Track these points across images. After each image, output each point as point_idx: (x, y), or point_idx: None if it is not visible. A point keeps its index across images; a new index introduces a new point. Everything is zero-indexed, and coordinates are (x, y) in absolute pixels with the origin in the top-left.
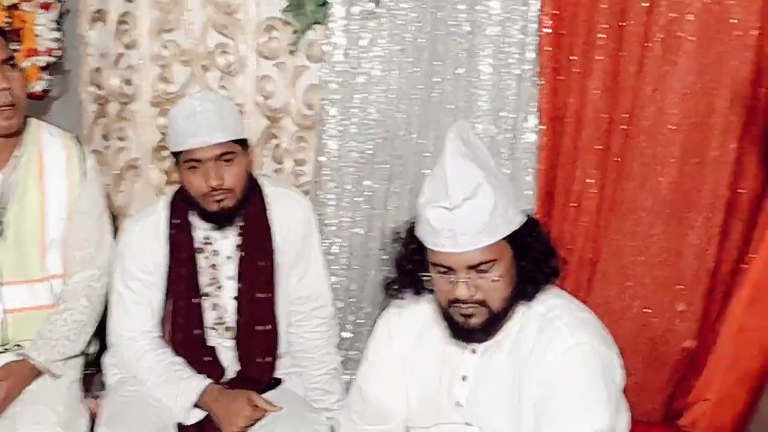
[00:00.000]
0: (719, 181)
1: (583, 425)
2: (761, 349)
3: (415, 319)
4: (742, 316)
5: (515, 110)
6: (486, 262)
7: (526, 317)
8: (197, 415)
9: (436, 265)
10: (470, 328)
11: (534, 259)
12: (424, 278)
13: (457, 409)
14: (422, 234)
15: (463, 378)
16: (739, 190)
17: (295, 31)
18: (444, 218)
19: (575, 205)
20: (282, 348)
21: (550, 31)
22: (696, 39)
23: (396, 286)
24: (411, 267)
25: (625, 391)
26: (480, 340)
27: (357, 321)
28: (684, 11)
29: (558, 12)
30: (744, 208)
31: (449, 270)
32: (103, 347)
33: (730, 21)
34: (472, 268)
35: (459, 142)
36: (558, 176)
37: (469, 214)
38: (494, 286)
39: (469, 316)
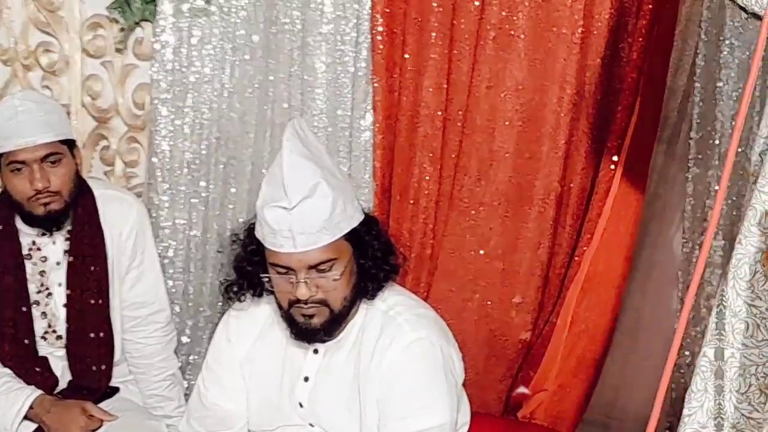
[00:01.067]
0: (551, 175)
1: (424, 420)
2: (593, 339)
3: (255, 321)
4: (575, 307)
5: (351, 108)
6: (326, 262)
7: (368, 316)
8: (28, 428)
9: (275, 265)
10: (312, 328)
11: (374, 257)
12: (264, 279)
13: (300, 411)
14: (261, 234)
15: (305, 379)
16: (570, 185)
17: (122, 29)
18: (282, 218)
19: (413, 201)
20: (117, 355)
21: (382, 29)
22: (526, 37)
23: (235, 289)
24: (250, 268)
25: (465, 384)
26: (322, 341)
27: (196, 325)
28: (515, 9)
29: (390, 10)
30: (574, 203)
31: (289, 270)
32: None
33: (558, 19)
34: (312, 267)
35: (296, 140)
36: (395, 174)
37: (308, 213)
38: (335, 285)
39: (311, 316)
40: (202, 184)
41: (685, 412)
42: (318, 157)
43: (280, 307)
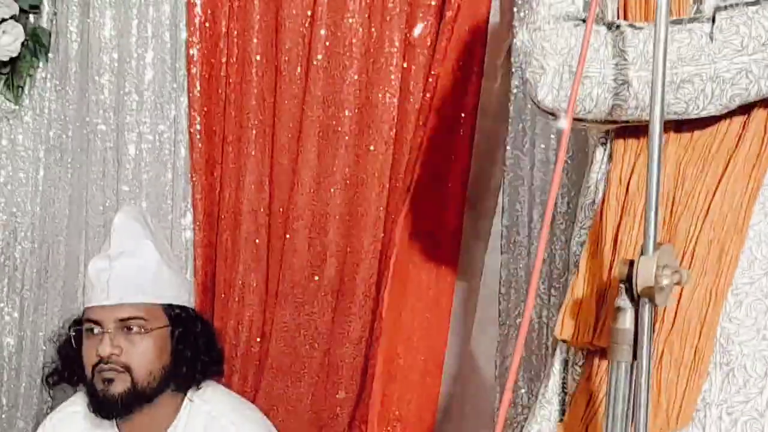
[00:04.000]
0: (370, 269)
1: None
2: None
3: (72, 429)
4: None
5: (172, 207)
6: (136, 319)
7: (191, 417)
8: None
9: (87, 321)
10: (110, 396)
11: (195, 345)
12: (72, 333)
13: None
14: (84, 299)
15: None
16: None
17: None
18: (103, 270)
19: (238, 299)
20: None
21: (200, 127)
22: (351, 131)
23: (55, 378)
24: (70, 353)
25: None
26: (120, 415)
27: None
28: (341, 107)
29: (207, 109)
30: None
31: (97, 325)
32: None
33: (376, 115)
34: (122, 323)
35: (134, 210)
36: (218, 272)
37: (129, 269)
38: (141, 350)
39: (110, 381)
40: (17, 289)
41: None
42: (153, 229)
43: (86, 381)
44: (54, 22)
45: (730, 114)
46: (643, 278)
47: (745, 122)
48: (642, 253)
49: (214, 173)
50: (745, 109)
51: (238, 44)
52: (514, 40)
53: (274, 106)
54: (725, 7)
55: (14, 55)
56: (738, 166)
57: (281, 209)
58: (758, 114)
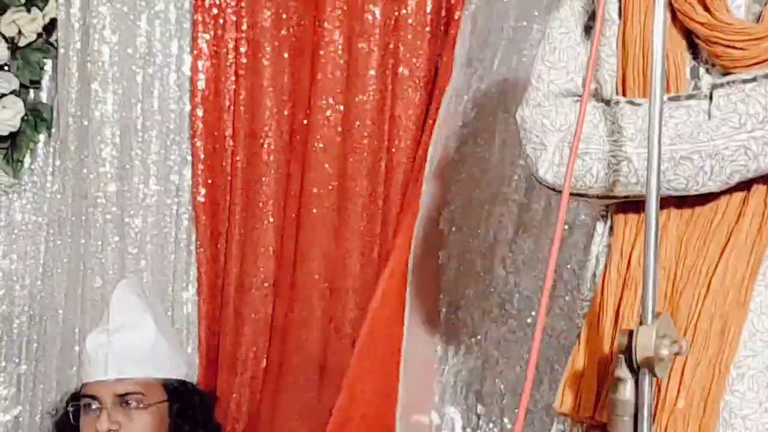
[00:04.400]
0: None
1: None
2: None
3: None
4: None
5: (173, 279)
6: (134, 394)
7: None
8: None
9: (84, 397)
10: None
11: (193, 419)
12: (70, 409)
13: None
14: (81, 374)
15: None
16: None
17: None
18: (101, 345)
19: (241, 372)
20: None
21: (204, 200)
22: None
23: None
24: (68, 429)
25: None
26: None
27: None
28: (324, 186)
29: (212, 181)
30: None
31: (95, 400)
32: None
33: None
34: (119, 399)
35: (133, 284)
36: (222, 345)
37: (126, 342)
38: (140, 426)
39: None
40: (14, 363)
41: None
42: (151, 303)
43: None
44: (54, 96)
45: (731, 189)
46: (642, 348)
47: (745, 198)
48: (641, 323)
49: (218, 245)
50: (746, 184)
51: (245, 117)
52: (515, 116)
53: (287, 188)
54: (722, 84)
55: (14, 129)
56: (739, 241)
57: (286, 280)
58: (758, 189)
